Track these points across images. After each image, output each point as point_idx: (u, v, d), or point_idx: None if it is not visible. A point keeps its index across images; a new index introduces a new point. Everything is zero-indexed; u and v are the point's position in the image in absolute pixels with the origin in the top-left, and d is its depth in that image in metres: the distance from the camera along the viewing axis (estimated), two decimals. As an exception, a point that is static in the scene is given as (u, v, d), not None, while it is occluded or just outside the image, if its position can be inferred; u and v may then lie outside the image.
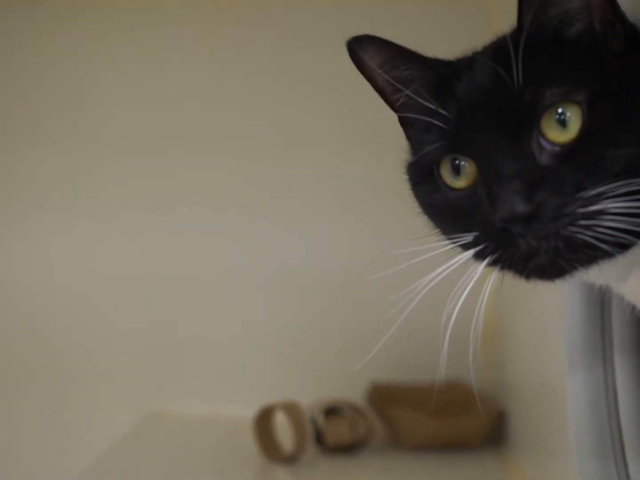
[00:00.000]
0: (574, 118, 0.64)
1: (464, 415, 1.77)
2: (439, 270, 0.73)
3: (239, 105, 2.07)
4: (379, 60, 0.78)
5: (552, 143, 0.65)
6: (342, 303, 2.01)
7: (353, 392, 1.89)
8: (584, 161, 0.63)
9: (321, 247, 2.04)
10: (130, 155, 2.06)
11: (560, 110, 0.64)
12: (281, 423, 1.75)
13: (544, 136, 0.65)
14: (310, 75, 2.05)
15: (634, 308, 0.78)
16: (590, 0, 0.67)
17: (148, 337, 2.05)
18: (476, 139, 0.68)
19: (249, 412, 1.77)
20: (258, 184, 2.05)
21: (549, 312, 1.12)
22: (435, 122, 0.71)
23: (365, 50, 0.78)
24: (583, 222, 0.62)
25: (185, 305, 2.05)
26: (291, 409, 1.73)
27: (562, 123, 0.64)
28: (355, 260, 1.97)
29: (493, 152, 0.66)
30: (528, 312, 1.37)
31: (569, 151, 0.64)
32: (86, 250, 2.06)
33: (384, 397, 1.91)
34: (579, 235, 0.62)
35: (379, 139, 1.93)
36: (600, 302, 0.95)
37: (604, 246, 0.62)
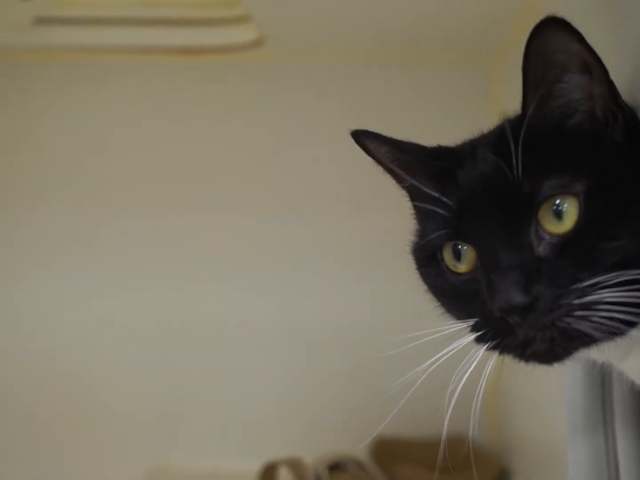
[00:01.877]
0: (571, 210, 0.65)
1: (467, 473, 1.77)
2: (442, 352, 0.74)
3: (243, 165, 2.09)
4: (382, 150, 0.81)
5: (550, 234, 0.66)
6: (347, 360, 2.01)
7: (357, 447, 1.90)
8: (580, 252, 0.64)
9: (324, 306, 2.04)
10: (134, 214, 2.08)
11: (557, 202, 0.65)
12: (285, 479, 1.75)
13: (541, 227, 0.66)
14: (316, 134, 2.08)
15: (633, 383, 0.80)
16: (593, 91, 0.69)
17: (152, 393, 2.05)
18: (476, 227, 0.70)
19: (253, 468, 1.77)
20: (265, 243, 2.06)
21: (552, 375, 1.14)
22: (438, 209, 0.73)
23: (368, 142, 0.81)
24: (579, 313, 0.63)
25: (189, 361, 2.06)
26: (295, 465, 1.73)
27: (559, 214, 0.65)
28: (359, 318, 1.99)
29: (492, 240, 0.68)
30: (531, 375, 1.39)
31: (566, 242, 0.65)
32: (91, 306, 2.06)
33: (387, 452, 1.91)
34: (575, 326, 0.63)
35: (383, 200, 1.97)
36: (601, 370, 0.96)
37: (598, 334, 0.64)
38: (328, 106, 2.08)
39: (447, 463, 1.83)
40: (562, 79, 0.69)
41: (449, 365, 0.76)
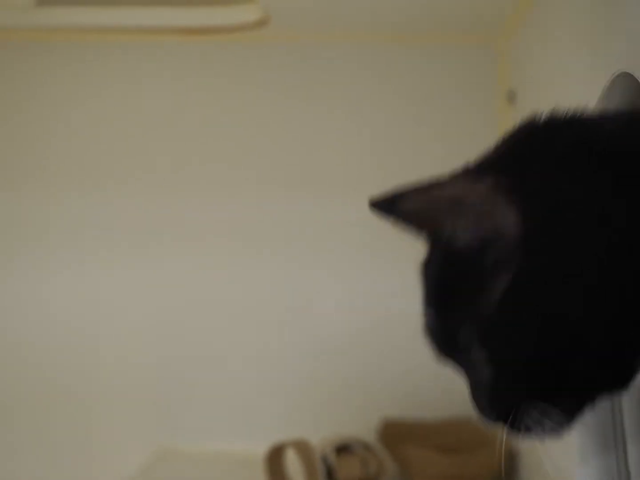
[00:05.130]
0: None
1: (475, 453, 1.77)
2: None
3: (247, 145, 2.08)
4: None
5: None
6: (353, 341, 2.01)
7: (364, 429, 1.90)
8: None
9: (328, 287, 2.04)
10: (132, 196, 2.07)
11: None
12: (292, 460, 1.75)
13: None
14: (321, 115, 2.07)
15: None
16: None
17: (158, 375, 2.05)
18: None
19: (260, 449, 1.77)
20: (264, 227, 2.06)
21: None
22: None
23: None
24: None
25: (195, 343, 2.06)
26: (302, 447, 1.73)
27: None
28: (362, 300, 1.98)
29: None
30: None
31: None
32: (99, 290, 2.06)
33: (395, 434, 1.91)
34: None
35: (387, 184, 1.96)
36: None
37: None
38: (332, 87, 2.07)
39: (454, 444, 1.84)
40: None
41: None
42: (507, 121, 1.89)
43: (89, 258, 2.07)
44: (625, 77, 0.88)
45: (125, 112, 2.09)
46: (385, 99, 2.05)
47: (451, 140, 1.99)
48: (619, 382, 0.66)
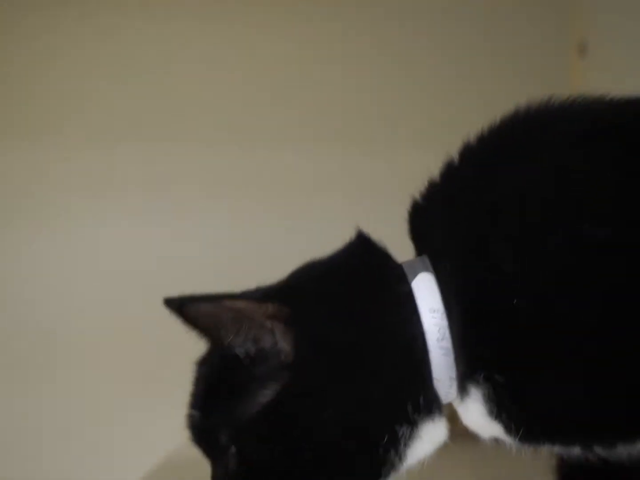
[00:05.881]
0: None
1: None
2: None
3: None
4: None
5: None
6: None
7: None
8: None
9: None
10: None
11: None
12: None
13: None
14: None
15: None
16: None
17: (189, 355, 1.97)
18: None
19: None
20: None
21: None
22: None
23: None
24: None
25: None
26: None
27: None
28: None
29: None
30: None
31: None
32: (121, 260, 2.00)
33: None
34: None
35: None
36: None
37: None
38: (385, 34, 2.03)
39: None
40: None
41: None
42: (579, 74, 1.86)
43: (109, 217, 2.01)
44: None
45: (144, 61, 2.04)
46: (452, 51, 2.01)
47: (521, 92, 1.97)
48: None
